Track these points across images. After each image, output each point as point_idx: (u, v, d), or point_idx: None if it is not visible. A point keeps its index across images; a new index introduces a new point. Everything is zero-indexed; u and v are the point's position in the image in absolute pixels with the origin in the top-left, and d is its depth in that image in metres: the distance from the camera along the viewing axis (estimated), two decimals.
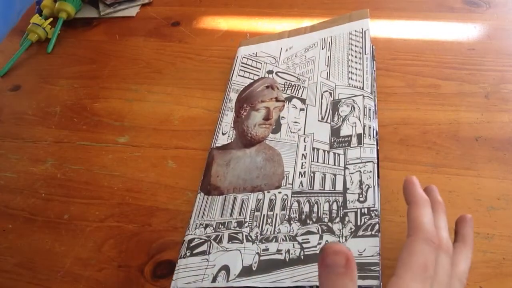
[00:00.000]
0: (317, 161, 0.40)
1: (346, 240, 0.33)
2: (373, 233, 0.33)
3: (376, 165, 0.37)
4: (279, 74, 0.49)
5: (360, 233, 0.33)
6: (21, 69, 0.58)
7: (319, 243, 0.34)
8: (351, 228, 0.34)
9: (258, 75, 0.50)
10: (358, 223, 0.34)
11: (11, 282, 0.39)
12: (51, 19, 0.62)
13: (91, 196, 0.43)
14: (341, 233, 0.34)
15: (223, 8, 0.62)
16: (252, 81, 0.49)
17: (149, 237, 0.40)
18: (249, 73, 0.50)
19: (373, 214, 0.34)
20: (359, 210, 0.35)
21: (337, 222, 0.35)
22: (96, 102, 0.53)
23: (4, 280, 0.39)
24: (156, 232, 0.40)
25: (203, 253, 0.37)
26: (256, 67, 0.51)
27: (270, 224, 0.37)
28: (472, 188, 0.39)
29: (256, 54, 0.52)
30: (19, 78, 0.57)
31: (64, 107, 0.53)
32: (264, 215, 0.38)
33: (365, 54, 0.46)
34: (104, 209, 0.42)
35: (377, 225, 0.33)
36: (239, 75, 0.50)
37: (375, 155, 0.38)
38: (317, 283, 0.32)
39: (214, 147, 0.44)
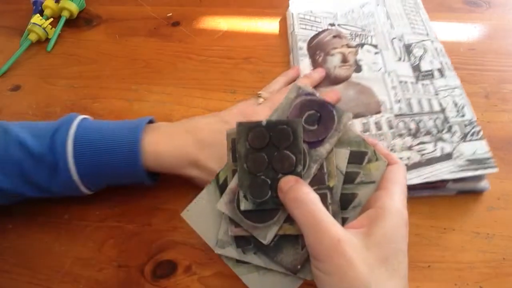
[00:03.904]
0: (408, 91, 0.43)
1: (458, 144, 0.39)
2: (479, 137, 0.39)
3: (463, 91, 0.42)
4: (342, 26, 0.52)
5: (468, 138, 0.39)
6: (21, 69, 0.58)
7: (434, 149, 0.39)
8: (459, 136, 0.39)
9: (321, 28, 0.52)
10: (465, 132, 0.39)
11: (11, 282, 0.39)
12: (52, 19, 0.62)
13: (91, 196, 0.43)
14: (451, 140, 0.39)
15: (223, 8, 0.62)
16: (316, 32, 0.51)
17: (149, 237, 0.40)
18: (311, 25, 0.52)
19: (474, 124, 0.40)
20: (462, 122, 0.40)
21: (446, 133, 0.39)
22: (96, 102, 0.53)
23: (4, 280, 0.39)
24: (156, 232, 0.40)
25: None
26: (315, 21, 0.53)
27: (384, 139, 0.40)
28: None
29: (311, 11, 0.54)
30: (19, 78, 0.57)
31: (64, 107, 0.53)
32: (373, 134, 0.41)
33: (420, 8, 0.51)
34: (104, 209, 0.42)
35: (481, 131, 0.39)
36: (300, 28, 0.52)
37: (459, 83, 0.43)
38: (444, 176, 0.37)
39: None
